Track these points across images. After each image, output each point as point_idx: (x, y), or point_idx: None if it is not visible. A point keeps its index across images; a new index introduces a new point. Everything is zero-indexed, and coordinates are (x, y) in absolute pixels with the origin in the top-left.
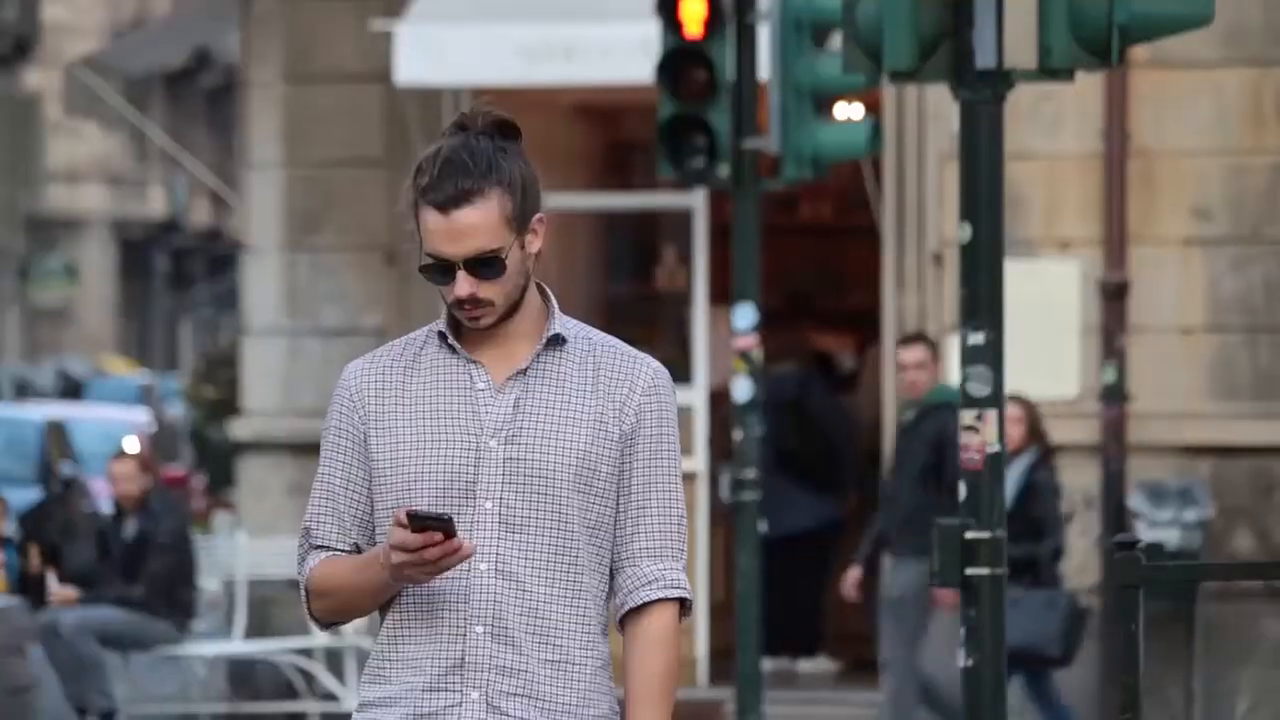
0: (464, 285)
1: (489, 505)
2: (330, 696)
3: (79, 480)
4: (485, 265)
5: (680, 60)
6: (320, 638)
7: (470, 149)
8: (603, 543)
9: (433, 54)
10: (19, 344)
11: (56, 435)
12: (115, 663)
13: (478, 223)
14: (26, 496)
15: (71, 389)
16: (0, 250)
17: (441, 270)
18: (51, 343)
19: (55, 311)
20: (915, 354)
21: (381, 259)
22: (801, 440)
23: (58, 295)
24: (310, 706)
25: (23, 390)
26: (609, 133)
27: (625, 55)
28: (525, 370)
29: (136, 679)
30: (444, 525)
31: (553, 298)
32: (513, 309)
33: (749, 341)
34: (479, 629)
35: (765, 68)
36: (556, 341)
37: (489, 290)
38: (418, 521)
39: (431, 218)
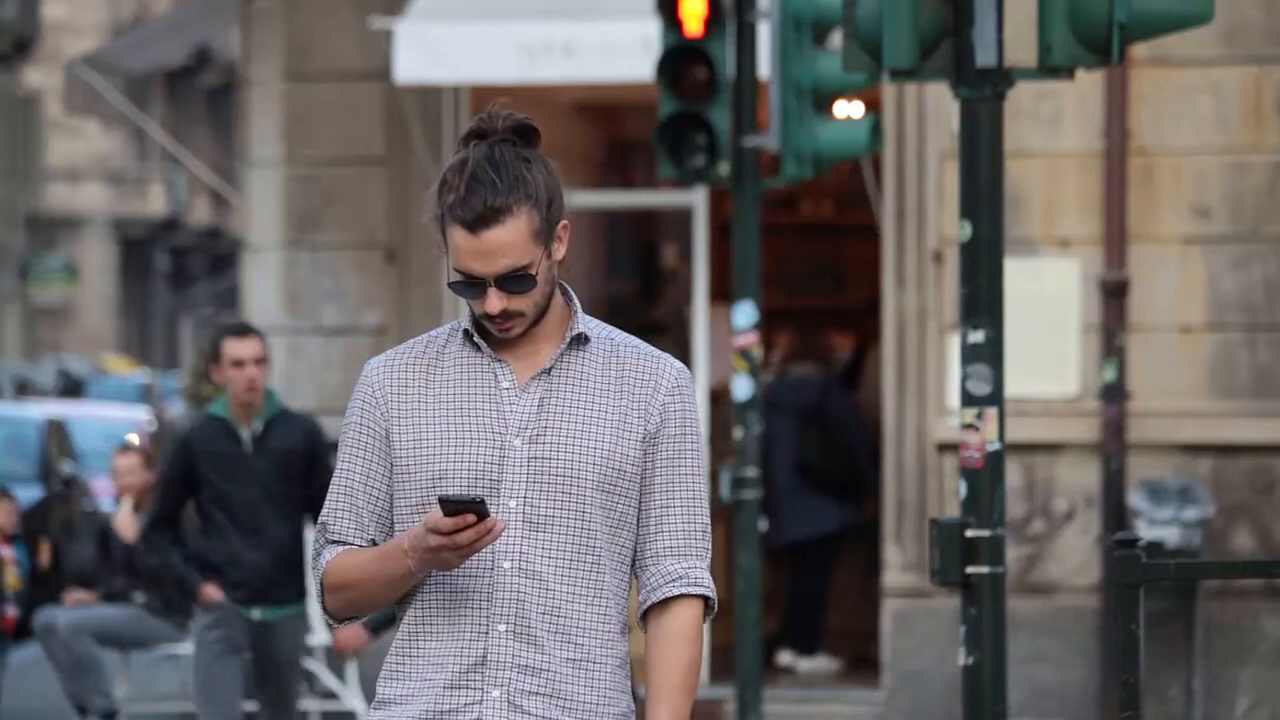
0: (495, 302)
1: (513, 504)
2: (331, 695)
3: (79, 479)
4: (515, 281)
5: (680, 58)
6: (321, 636)
7: (495, 163)
8: (624, 541)
9: (433, 52)
10: (19, 342)
11: (57, 434)
12: (115, 662)
13: (507, 241)
14: (27, 495)
15: (72, 388)
16: (0, 249)
17: (472, 286)
18: (52, 341)
19: (55, 310)
20: (253, 347)
21: (382, 257)
22: (824, 448)
23: (58, 294)
24: (310, 705)
25: (23, 389)
26: (609, 131)
27: (625, 53)
28: (549, 370)
29: (136, 678)
30: (477, 508)
31: (575, 297)
32: (540, 315)
33: (749, 340)
34: (501, 627)
35: (765, 66)
36: (580, 341)
37: (519, 303)
38: (450, 506)
39: (460, 237)
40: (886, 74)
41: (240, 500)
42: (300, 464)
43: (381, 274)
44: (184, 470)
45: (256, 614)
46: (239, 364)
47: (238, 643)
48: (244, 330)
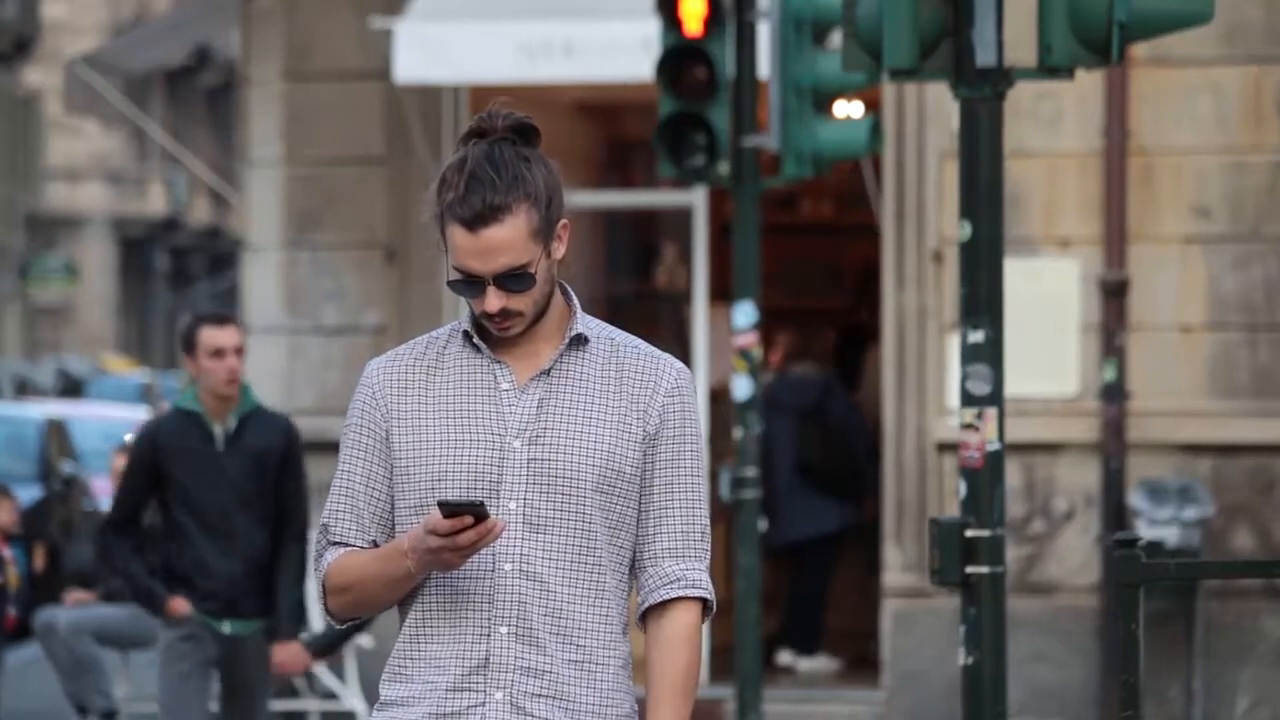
0: (494, 300)
1: (513, 505)
2: (330, 695)
3: (79, 479)
4: (514, 279)
5: (680, 58)
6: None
7: (495, 162)
8: (624, 542)
9: (432, 52)
10: (19, 342)
11: (57, 434)
12: (115, 662)
13: (505, 240)
14: (27, 495)
15: (72, 387)
16: (0, 249)
17: (471, 285)
18: (52, 341)
19: (55, 310)
20: (232, 336)
21: (382, 257)
22: (824, 448)
23: (58, 293)
24: (310, 705)
25: (23, 388)
26: (609, 130)
27: (625, 53)
28: (548, 371)
29: (136, 678)
30: (475, 510)
31: (575, 297)
32: (539, 314)
33: (749, 340)
34: (503, 629)
35: (765, 65)
36: (579, 341)
37: (518, 302)
38: (448, 509)
39: (459, 235)
40: (886, 74)
41: (210, 503)
42: (275, 466)
43: (381, 274)
44: (148, 468)
45: (226, 628)
46: (219, 353)
47: (206, 660)
48: (222, 318)
